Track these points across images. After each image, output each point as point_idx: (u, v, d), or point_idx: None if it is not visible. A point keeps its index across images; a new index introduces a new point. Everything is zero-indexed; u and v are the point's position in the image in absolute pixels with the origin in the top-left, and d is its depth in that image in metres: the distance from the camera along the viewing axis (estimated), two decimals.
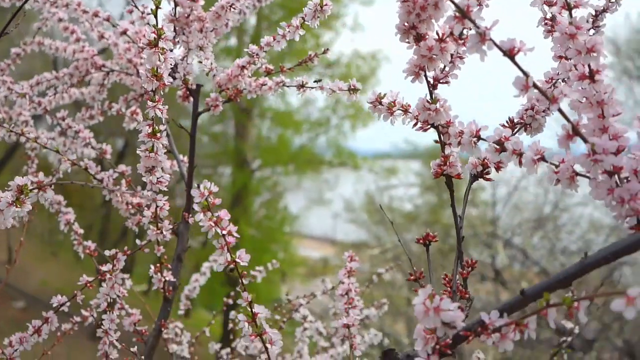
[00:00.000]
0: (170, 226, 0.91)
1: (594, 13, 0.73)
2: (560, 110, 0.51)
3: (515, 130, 0.70)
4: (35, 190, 0.67)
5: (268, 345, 0.65)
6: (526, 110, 0.69)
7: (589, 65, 0.54)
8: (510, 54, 0.51)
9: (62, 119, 1.11)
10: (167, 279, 0.98)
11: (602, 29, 0.73)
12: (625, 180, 0.52)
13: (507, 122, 0.70)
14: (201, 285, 1.45)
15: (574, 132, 0.52)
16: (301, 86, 0.97)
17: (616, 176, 0.53)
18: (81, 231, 1.10)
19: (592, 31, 0.73)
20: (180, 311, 1.43)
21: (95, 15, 1.10)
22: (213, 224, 0.62)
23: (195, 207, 0.62)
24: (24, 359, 0.93)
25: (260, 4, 1.09)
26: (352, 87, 0.83)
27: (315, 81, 0.98)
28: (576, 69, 0.56)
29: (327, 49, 1.02)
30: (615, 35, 9.23)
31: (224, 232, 0.63)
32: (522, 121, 0.69)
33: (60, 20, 1.20)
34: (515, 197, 7.65)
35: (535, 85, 0.51)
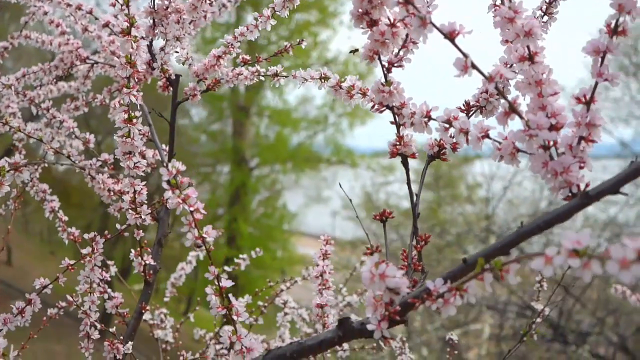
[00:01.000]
0: (149, 210, 0.94)
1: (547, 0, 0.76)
2: (497, 89, 0.55)
3: (472, 112, 0.73)
4: (12, 171, 0.70)
5: (234, 317, 0.68)
6: (481, 93, 0.73)
7: (528, 47, 0.57)
8: (450, 36, 0.55)
9: (47, 110, 1.14)
10: (147, 262, 1.02)
11: (555, 15, 0.76)
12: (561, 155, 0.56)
13: (463, 104, 0.73)
14: (187, 273, 1.49)
15: (511, 109, 0.55)
16: (275, 75, 1.00)
17: (553, 150, 0.56)
18: (65, 218, 1.13)
19: (545, 17, 0.76)
20: (166, 298, 1.47)
21: (79, 8, 1.14)
22: (181, 201, 0.66)
23: (164, 185, 0.65)
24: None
25: None
26: (322, 75, 0.86)
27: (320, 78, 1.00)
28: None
29: (302, 40, 1.05)
30: None
31: (192, 209, 0.66)
32: (477, 104, 0.73)
33: (45, 13, 1.24)
34: (510, 194, 7.69)
35: (473, 66, 0.54)
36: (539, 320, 1.14)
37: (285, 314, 1.32)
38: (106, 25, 1.09)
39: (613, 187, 0.51)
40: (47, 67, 1.24)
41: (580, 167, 0.55)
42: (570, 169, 0.54)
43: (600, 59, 0.55)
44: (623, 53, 9.46)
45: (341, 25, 11.21)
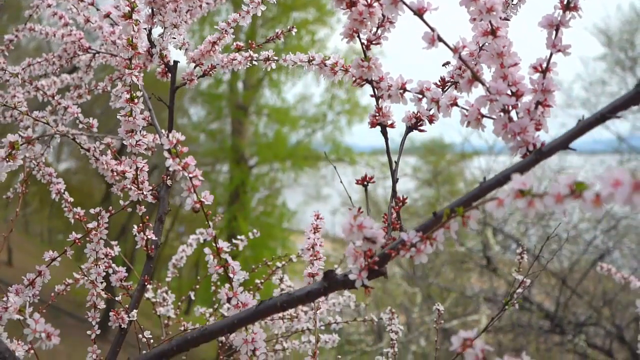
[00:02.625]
0: (150, 187, 1.01)
1: None
2: (461, 59, 0.61)
3: (447, 87, 0.79)
4: (25, 145, 0.77)
5: (231, 275, 0.75)
6: (455, 69, 0.79)
7: (490, 23, 0.64)
8: (419, 12, 0.61)
9: (52, 97, 1.20)
10: (149, 237, 1.08)
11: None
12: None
13: (439, 80, 0.79)
14: (188, 255, 1.55)
15: (474, 77, 0.62)
16: (267, 59, 1.06)
17: (514, 115, 0.63)
18: (71, 199, 1.19)
19: (515, 0, 0.83)
20: (168, 278, 1.53)
21: (81, 0, 1.20)
22: (181, 168, 0.72)
23: (165, 154, 0.72)
24: None
25: None
26: (311, 58, 0.92)
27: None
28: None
29: (293, 27, 1.11)
30: (607, 26, 9.32)
31: (191, 175, 0.72)
32: (452, 79, 0.79)
33: (49, 6, 1.30)
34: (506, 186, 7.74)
35: (439, 38, 0.60)
36: (519, 290, 1.20)
37: (282, 289, 1.38)
38: (107, 15, 1.15)
39: (562, 143, 0.57)
40: (51, 57, 1.30)
41: (537, 129, 0.61)
42: (527, 130, 0.60)
43: (554, 32, 0.62)
44: (619, 48, 9.53)
45: (339, 23, 11.27)
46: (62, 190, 1.21)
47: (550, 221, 7.18)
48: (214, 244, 0.75)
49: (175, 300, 1.46)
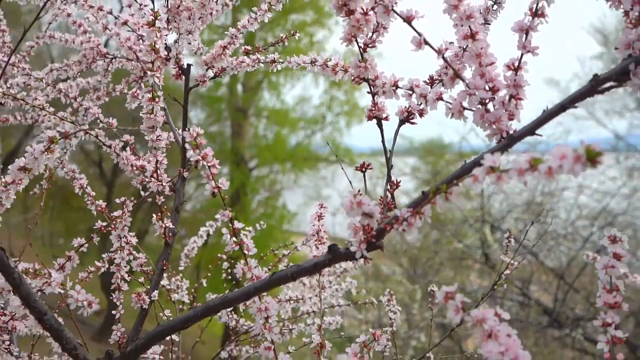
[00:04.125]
0: (169, 179, 1.11)
1: None
2: (444, 59, 0.71)
3: (435, 84, 0.89)
4: (63, 139, 0.87)
5: (246, 252, 0.85)
6: (442, 69, 0.89)
7: (469, 28, 0.74)
8: (408, 20, 0.71)
9: (74, 99, 1.30)
10: (167, 226, 1.18)
11: (503, 3, 0.93)
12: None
13: (428, 78, 0.90)
14: (199, 246, 1.65)
15: (455, 75, 0.72)
16: (273, 61, 1.17)
17: (491, 107, 0.73)
18: (93, 193, 1.29)
19: (495, 6, 0.93)
20: (181, 267, 1.63)
21: (100, 9, 1.30)
22: (201, 158, 0.82)
23: (187, 146, 0.82)
24: None
25: None
26: (313, 60, 1.02)
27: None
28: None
29: (296, 31, 1.22)
30: (604, 25, 9.42)
31: (210, 164, 0.83)
32: (439, 77, 0.89)
33: (68, 15, 1.40)
34: (505, 186, 7.86)
35: (425, 42, 0.71)
36: (507, 272, 1.30)
37: None
38: (125, 23, 1.26)
39: (530, 130, 0.67)
40: (72, 63, 1.41)
41: (510, 119, 0.72)
42: (501, 120, 0.70)
43: (524, 35, 0.72)
44: (615, 47, 9.62)
45: (337, 25, 11.38)
46: (85, 185, 1.31)
47: (547, 218, 7.29)
48: (230, 225, 0.86)
49: (189, 287, 1.57)
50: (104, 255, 1.31)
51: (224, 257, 1.68)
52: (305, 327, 1.44)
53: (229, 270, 1.65)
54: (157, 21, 0.92)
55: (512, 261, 1.33)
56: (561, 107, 0.65)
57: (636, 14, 0.64)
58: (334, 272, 1.63)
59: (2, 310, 1.12)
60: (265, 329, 0.83)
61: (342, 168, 1.17)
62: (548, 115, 0.66)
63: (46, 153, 0.87)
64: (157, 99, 0.96)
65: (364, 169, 0.87)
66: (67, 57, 1.76)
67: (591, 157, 0.48)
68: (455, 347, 6.45)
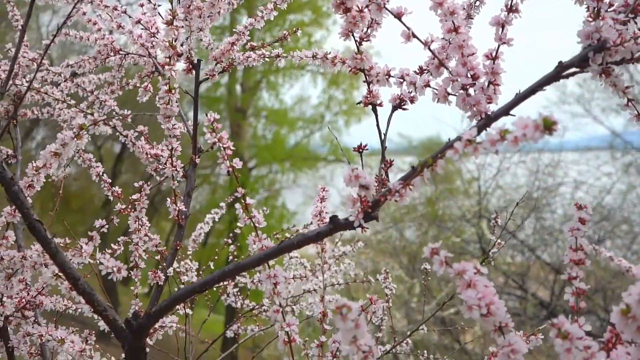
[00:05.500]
0: (182, 165, 1.21)
1: None
2: (430, 50, 0.82)
3: (423, 73, 0.99)
4: (92, 126, 0.97)
5: (257, 225, 0.95)
6: (430, 59, 0.99)
7: (453, 22, 0.84)
8: (398, 16, 0.81)
9: (91, 92, 1.40)
10: (180, 209, 1.28)
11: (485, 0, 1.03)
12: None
13: (418, 68, 1.00)
14: (206, 232, 1.75)
15: (440, 64, 0.82)
16: (277, 56, 1.27)
17: (472, 92, 0.83)
18: (109, 180, 1.39)
19: (477, 2, 1.03)
20: (189, 251, 1.73)
21: (115, 9, 1.40)
22: (217, 140, 0.92)
23: (205, 129, 0.92)
24: None
25: None
26: (314, 54, 1.13)
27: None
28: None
29: (298, 29, 1.32)
30: None
31: (225, 146, 0.93)
32: (427, 67, 0.99)
33: (84, 14, 1.50)
34: (502, 182, 7.99)
35: (413, 35, 0.81)
36: (494, 250, 1.40)
37: (291, 257, 1.58)
38: (138, 22, 1.36)
39: (504, 112, 0.77)
40: (87, 59, 1.51)
41: (488, 102, 0.82)
42: (480, 103, 0.80)
43: (500, 28, 0.82)
44: None
45: (335, 25, 11.49)
46: (101, 173, 1.41)
47: (544, 213, 7.41)
48: (243, 201, 0.96)
49: (199, 268, 1.67)
50: (119, 239, 1.41)
51: (229, 241, 1.78)
52: (307, 306, 1.54)
53: (235, 254, 1.75)
54: (175, 20, 1.02)
55: (499, 240, 1.43)
56: (531, 90, 0.76)
57: (594, 8, 0.74)
58: (333, 255, 1.73)
59: (28, 287, 1.22)
60: (274, 294, 0.93)
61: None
62: (520, 98, 0.76)
63: (75, 139, 0.97)
64: (173, 91, 1.06)
65: (360, 150, 0.97)
66: (67, 57, 1.86)
67: (547, 126, 0.58)
68: (454, 344, 6.55)
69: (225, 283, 1.66)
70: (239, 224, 0.97)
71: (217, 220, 1.76)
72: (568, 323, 0.64)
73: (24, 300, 1.16)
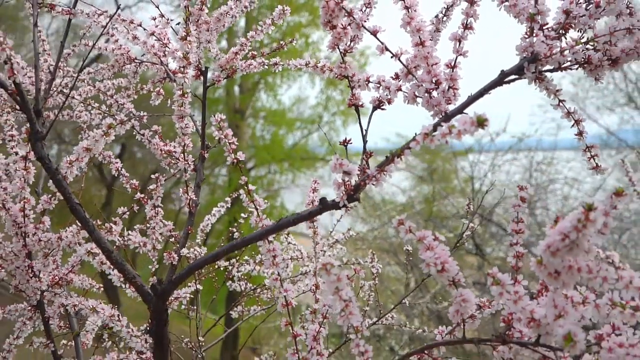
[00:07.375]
0: (193, 158, 1.39)
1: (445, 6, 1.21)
2: (400, 61, 1.00)
3: (398, 79, 1.17)
4: (119, 125, 1.15)
5: (258, 207, 1.13)
6: (402, 68, 1.17)
7: (419, 37, 1.02)
8: (374, 33, 1.00)
9: (111, 96, 1.58)
10: (191, 198, 1.46)
11: (451, 16, 1.21)
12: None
13: (394, 74, 1.18)
14: (213, 223, 1.94)
15: (408, 72, 1.00)
16: (275, 64, 1.45)
17: (435, 94, 1.01)
18: (127, 174, 1.57)
19: (444, 18, 1.21)
20: (197, 240, 1.91)
21: (131, 22, 1.58)
22: (223, 137, 1.10)
23: (213, 128, 1.10)
24: None
25: (247, 9, 1.57)
26: (307, 63, 1.31)
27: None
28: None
29: (294, 39, 1.50)
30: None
31: (230, 141, 1.11)
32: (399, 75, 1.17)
33: (103, 27, 1.68)
34: (497, 179, 8.19)
35: (386, 48, 0.99)
36: (467, 233, 1.58)
37: (289, 243, 1.77)
38: (152, 34, 1.54)
39: (458, 110, 0.96)
40: (106, 66, 1.69)
41: (448, 103, 1.00)
42: (441, 104, 0.99)
43: (457, 42, 1.00)
44: None
45: None
46: (120, 168, 1.59)
47: (536, 210, 7.60)
48: (246, 187, 1.14)
49: (207, 253, 1.85)
50: (135, 227, 1.59)
51: (235, 230, 1.96)
52: (303, 288, 1.72)
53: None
54: (188, 35, 1.20)
55: (472, 224, 1.61)
56: (480, 94, 0.94)
57: (527, 27, 0.93)
58: (327, 242, 1.92)
59: (59, 266, 1.40)
60: (273, 265, 1.11)
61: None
62: (470, 100, 0.95)
63: (104, 136, 1.15)
64: (186, 95, 1.24)
65: (345, 144, 1.15)
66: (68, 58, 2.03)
67: (480, 122, 0.76)
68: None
69: (231, 267, 1.84)
70: (240, 220, 1.15)
71: (222, 212, 1.94)
72: (500, 273, 0.82)
73: (56, 277, 1.34)
